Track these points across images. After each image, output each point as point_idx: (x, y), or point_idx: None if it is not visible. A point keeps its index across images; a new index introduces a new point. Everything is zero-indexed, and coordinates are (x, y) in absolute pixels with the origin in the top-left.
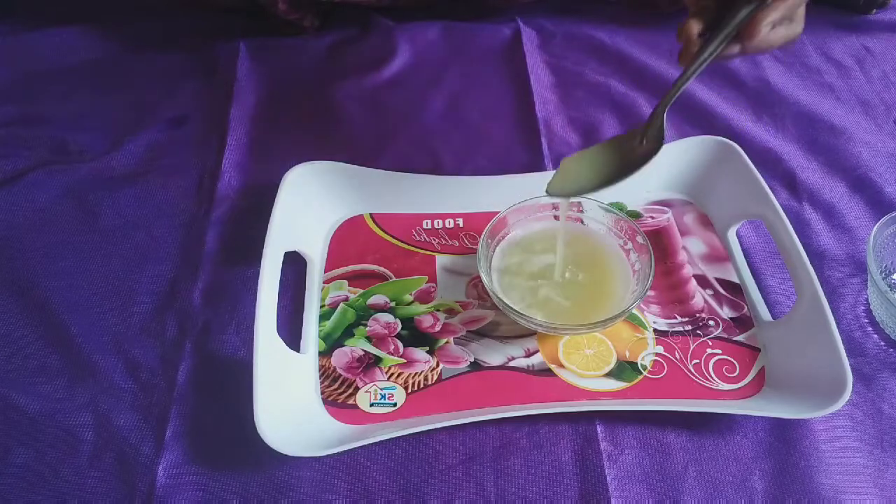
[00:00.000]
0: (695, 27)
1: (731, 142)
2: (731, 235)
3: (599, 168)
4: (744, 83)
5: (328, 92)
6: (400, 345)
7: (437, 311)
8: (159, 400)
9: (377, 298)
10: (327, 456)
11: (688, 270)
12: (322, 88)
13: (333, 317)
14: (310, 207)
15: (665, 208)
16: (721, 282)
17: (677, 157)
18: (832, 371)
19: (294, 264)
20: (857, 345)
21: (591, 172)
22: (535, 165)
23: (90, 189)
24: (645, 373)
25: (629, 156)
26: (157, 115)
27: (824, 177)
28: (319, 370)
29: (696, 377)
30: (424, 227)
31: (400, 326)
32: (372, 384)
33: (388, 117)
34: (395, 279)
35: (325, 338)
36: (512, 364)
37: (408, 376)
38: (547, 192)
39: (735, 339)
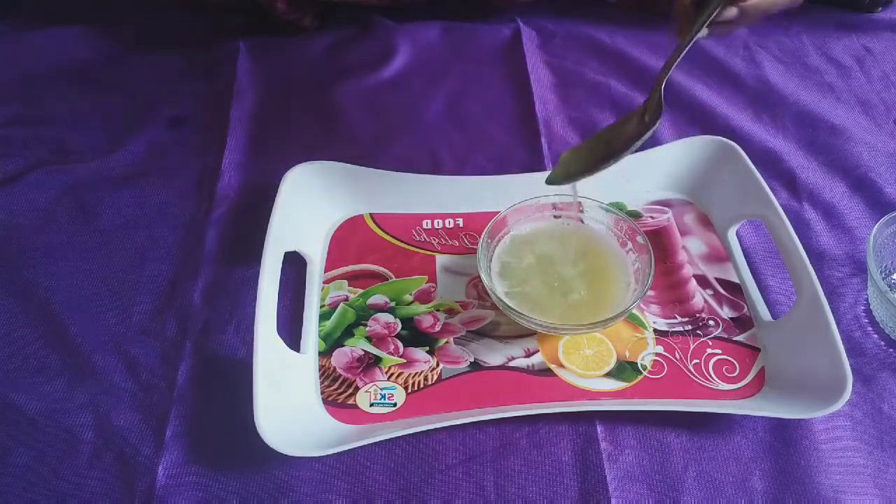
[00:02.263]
0: None
1: (731, 142)
2: (731, 235)
3: (599, 151)
4: (744, 83)
5: (328, 92)
6: (400, 345)
7: (437, 311)
8: (159, 400)
9: (377, 298)
10: (327, 456)
11: (688, 270)
12: (322, 88)
13: (333, 317)
14: (310, 207)
15: (665, 208)
16: (721, 282)
17: (677, 157)
18: (832, 371)
19: (294, 264)
20: (857, 345)
21: (590, 155)
22: (535, 165)
23: (90, 189)
24: (645, 373)
25: (629, 133)
26: (157, 115)
27: (824, 177)
28: (319, 370)
29: (696, 377)
30: (424, 227)
31: (400, 326)
32: (372, 384)
33: (388, 117)
34: (395, 279)
35: (325, 338)
36: (512, 364)
37: (408, 376)
38: (547, 181)
39: (735, 339)
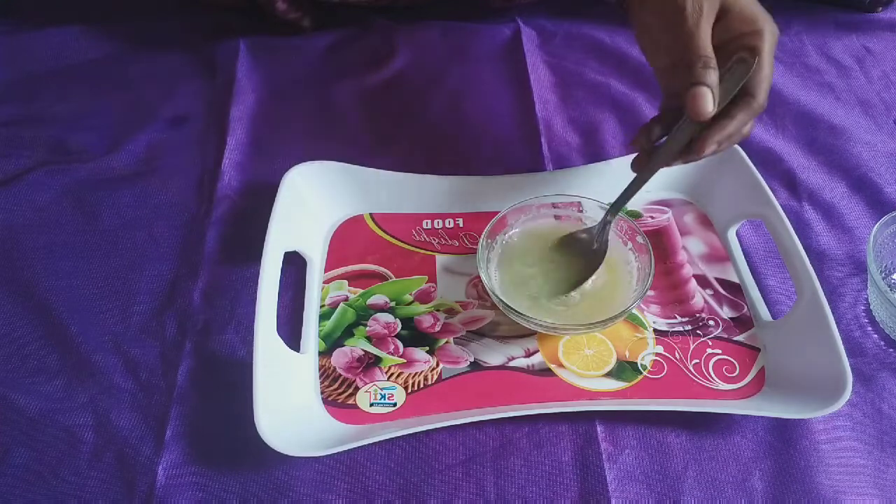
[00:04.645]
0: (655, 131)
1: None
2: (731, 235)
3: (567, 271)
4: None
5: (328, 92)
6: (400, 345)
7: (437, 311)
8: (159, 400)
9: (377, 298)
10: (327, 456)
11: (688, 270)
12: (322, 88)
13: (333, 317)
14: (310, 207)
15: (665, 208)
16: (721, 282)
17: None
18: (832, 371)
19: (294, 264)
20: (856, 345)
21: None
22: (535, 165)
23: (90, 189)
24: (645, 373)
25: (587, 260)
26: (157, 115)
27: (824, 177)
28: (319, 370)
29: (696, 377)
30: (424, 227)
31: (400, 326)
32: (372, 384)
33: (388, 117)
34: (395, 279)
35: (325, 338)
36: (512, 364)
37: (408, 376)
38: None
39: (735, 339)
